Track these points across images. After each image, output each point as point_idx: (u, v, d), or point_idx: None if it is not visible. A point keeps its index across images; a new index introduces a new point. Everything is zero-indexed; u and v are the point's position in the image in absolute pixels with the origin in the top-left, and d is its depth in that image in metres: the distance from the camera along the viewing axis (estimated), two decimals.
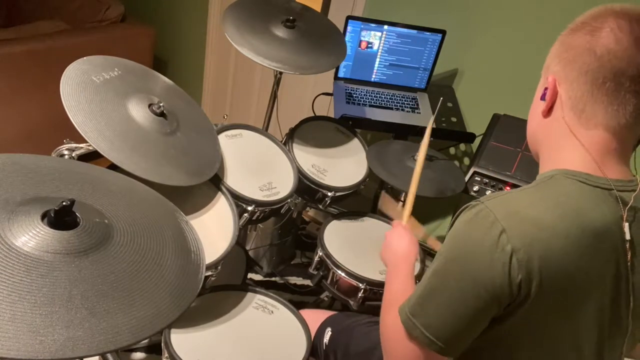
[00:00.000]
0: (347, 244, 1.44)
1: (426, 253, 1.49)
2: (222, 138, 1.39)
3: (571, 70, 0.74)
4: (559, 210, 0.71)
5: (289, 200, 1.37)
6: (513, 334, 0.76)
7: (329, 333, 1.18)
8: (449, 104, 1.93)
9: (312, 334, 1.20)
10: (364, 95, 1.88)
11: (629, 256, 0.75)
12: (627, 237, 0.74)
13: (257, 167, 1.41)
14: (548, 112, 0.79)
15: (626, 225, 0.73)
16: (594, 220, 0.71)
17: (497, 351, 0.79)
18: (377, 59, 1.89)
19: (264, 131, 1.52)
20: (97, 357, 1.26)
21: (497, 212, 0.70)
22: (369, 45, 1.86)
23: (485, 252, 0.69)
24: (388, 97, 1.90)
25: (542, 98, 0.79)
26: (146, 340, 1.58)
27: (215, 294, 1.22)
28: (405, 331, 0.77)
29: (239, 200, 1.28)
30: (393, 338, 0.81)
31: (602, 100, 0.72)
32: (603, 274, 0.74)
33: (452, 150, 2.07)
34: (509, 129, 1.64)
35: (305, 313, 1.26)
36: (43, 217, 0.72)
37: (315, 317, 1.24)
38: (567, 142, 0.76)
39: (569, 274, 0.71)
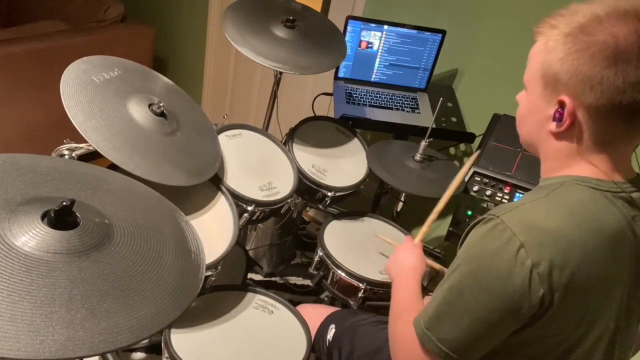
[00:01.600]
0: (347, 244, 1.44)
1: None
2: (222, 138, 1.39)
3: (597, 100, 0.68)
4: (574, 219, 0.70)
5: (289, 200, 1.37)
6: (531, 342, 0.75)
7: (333, 330, 1.18)
8: (449, 104, 1.93)
9: (314, 329, 1.20)
10: (364, 95, 1.88)
11: None
12: None
13: (257, 167, 1.41)
14: (558, 135, 0.75)
15: None
16: (608, 225, 0.71)
17: (513, 357, 0.78)
18: (377, 59, 1.89)
19: (264, 131, 1.52)
20: (97, 357, 1.26)
21: (513, 227, 0.69)
22: (369, 45, 1.86)
23: (502, 267, 0.69)
24: (388, 97, 1.90)
25: (555, 119, 0.73)
26: (146, 340, 1.58)
27: (215, 294, 1.22)
28: (419, 343, 0.77)
29: (239, 200, 1.28)
30: (406, 349, 0.81)
31: (633, 133, 0.71)
32: (621, 278, 0.75)
33: (452, 150, 2.07)
34: (509, 129, 1.64)
35: (307, 307, 1.26)
36: (43, 217, 0.72)
37: (318, 311, 1.24)
38: (576, 160, 0.75)
39: (589, 281, 0.70)
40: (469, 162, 1.31)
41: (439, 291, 0.77)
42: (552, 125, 0.74)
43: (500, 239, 0.69)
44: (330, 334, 1.17)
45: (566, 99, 0.71)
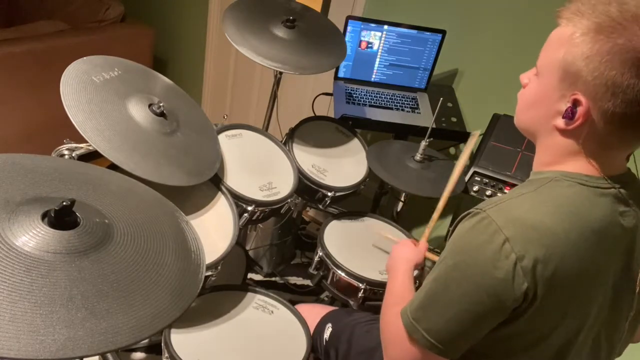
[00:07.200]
0: (347, 244, 1.44)
1: None
2: (222, 138, 1.39)
3: (615, 106, 0.66)
4: (560, 213, 0.70)
5: (289, 200, 1.37)
6: (517, 335, 0.76)
7: (330, 329, 1.18)
8: (449, 104, 1.93)
9: (311, 328, 1.20)
10: (364, 95, 1.88)
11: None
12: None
13: (257, 167, 1.41)
14: (564, 132, 0.73)
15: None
16: (594, 221, 0.71)
17: (499, 351, 0.79)
18: (377, 59, 1.89)
19: (264, 131, 1.52)
20: (97, 357, 1.26)
21: (498, 221, 0.70)
22: (369, 45, 1.86)
23: (488, 260, 0.69)
24: (388, 97, 1.90)
25: (565, 116, 0.70)
26: (146, 340, 1.58)
27: (215, 294, 1.22)
28: (406, 333, 0.78)
29: (239, 200, 1.28)
30: (394, 339, 0.82)
31: (633, 137, 0.71)
32: (605, 273, 0.75)
33: (452, 150, 2.07)
34: (509, 129, 1.64)
35: (304, 307, 1.26)
36: (43, 217, 0.72)
37: (315, 311, 1.25)
38: (573, 158, 0.74)
39: (573, 276, 0.71)
40: (470, 143, 1.25)
41: (426, 282, 0.78)
42: (561, 122, 0.71)
43: (486, 233, 0.70)
44: (327, 333, 1.18)
45: (582, 99, 0.68)
